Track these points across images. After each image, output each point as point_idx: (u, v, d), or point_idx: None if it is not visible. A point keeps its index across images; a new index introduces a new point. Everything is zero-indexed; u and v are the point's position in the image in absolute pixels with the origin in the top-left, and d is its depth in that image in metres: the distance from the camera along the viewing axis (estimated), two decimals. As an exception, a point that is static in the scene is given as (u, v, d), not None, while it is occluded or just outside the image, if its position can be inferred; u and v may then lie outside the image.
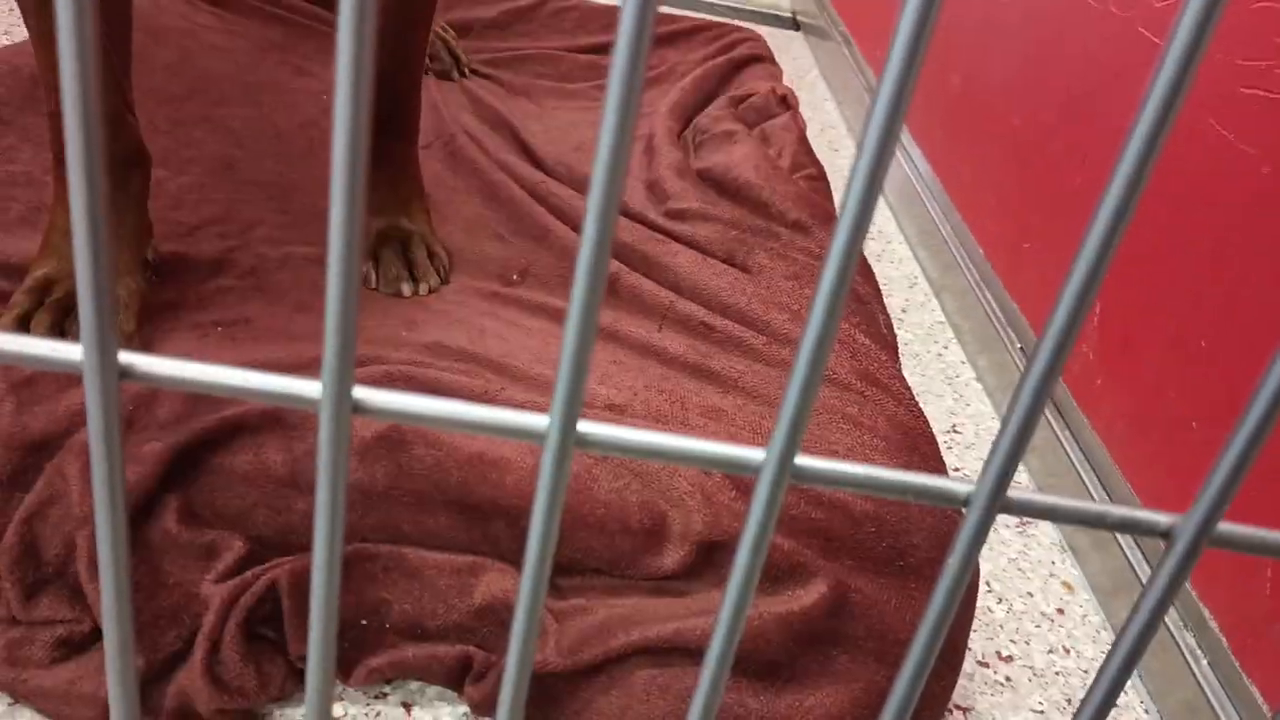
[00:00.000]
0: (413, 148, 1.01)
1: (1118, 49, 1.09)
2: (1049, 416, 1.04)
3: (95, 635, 0.56)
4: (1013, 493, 0.32)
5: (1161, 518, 0.34)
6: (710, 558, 0.62)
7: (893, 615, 0.62)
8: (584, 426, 0.30)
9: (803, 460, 0.31)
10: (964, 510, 0.33)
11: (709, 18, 2.01)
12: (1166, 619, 0.82)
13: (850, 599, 0.61)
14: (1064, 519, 0.34)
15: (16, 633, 0.55)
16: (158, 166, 1.03)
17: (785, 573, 0.61)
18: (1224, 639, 0.79)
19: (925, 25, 0.24)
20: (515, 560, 0.65)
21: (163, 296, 0.84)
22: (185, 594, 0.54)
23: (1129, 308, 0.97)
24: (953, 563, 0.33)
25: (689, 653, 0.56)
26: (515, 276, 1.01)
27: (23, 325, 0.70)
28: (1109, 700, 0.35)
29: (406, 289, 0.93)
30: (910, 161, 1.59)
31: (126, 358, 0.28)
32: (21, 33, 1.52)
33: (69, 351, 0.28)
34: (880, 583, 0.63)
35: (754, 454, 0.31)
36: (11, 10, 1.60)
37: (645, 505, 0.64)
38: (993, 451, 0.31)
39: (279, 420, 0.61)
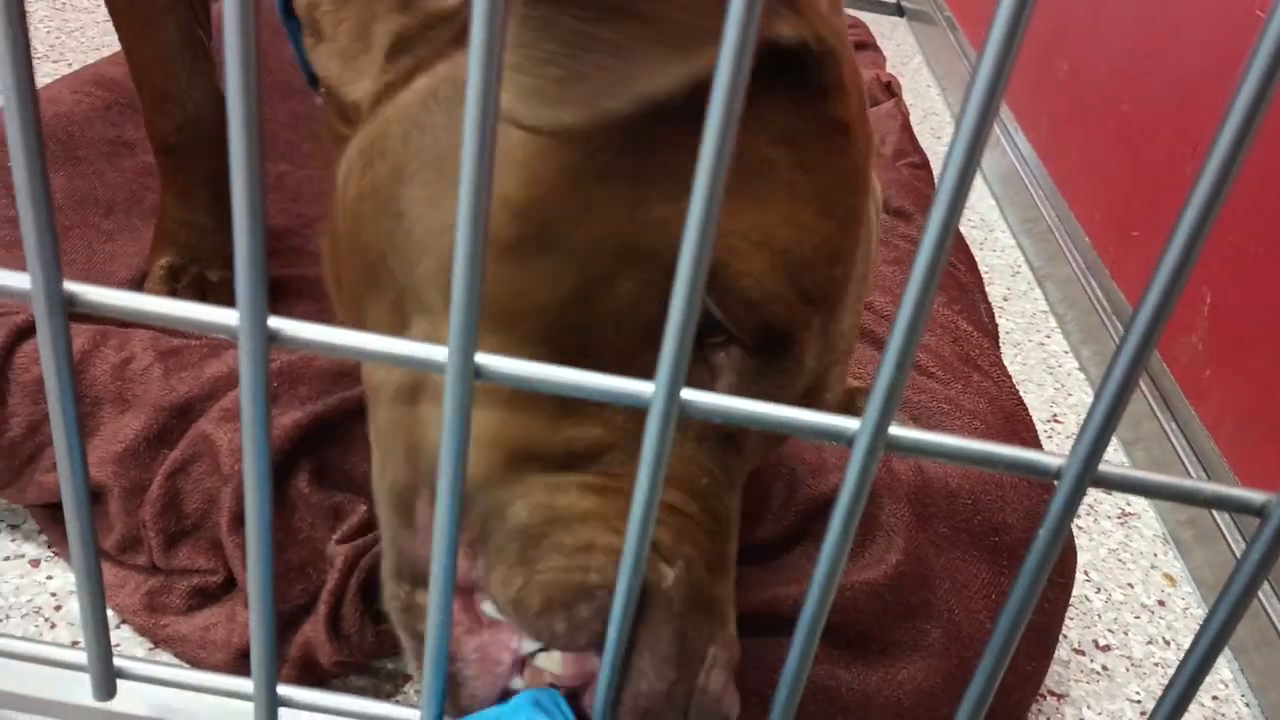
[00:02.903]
0: None
1: (1232, 32, 1.06)
2: (1154, 407, 1.02)
3: (228, 585, 0.60)
4: (1103, 468, 0.33)
5: (1256, 495, 0.34)
6: (807, 527, 0.63)
7: (985, 593, 0.63)
8: (688, 394, 0.31)
9: (896, 430, 0.33)
10: (1056, 484, 0.34)
11: (812, 4, 2.00)
12: (1271, 613, 0.81)
13: (940, 571, 0.62)
14: (1155, 494, 0.34)
15: (156, 581, 0.60)
16: (280, 160, 1.08)
17: (876, 534, 0.62)
18: (1333, 636, 0.77)
19: (1025, 4, 0.25)
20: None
21: (285, 282, 0.88)
22: (313, 550, 0.57)
23: (1241, 298, 0.95)
24: (1043, 534, 0.34)
25: (782, 621, 0.57)
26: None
27: None
28: (1199, 674, 0.36)
29: None
30: (1015, 149, 1.57)
31: (275, 323, 0.31)
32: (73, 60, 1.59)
33: (226, 316, 0.31)
34: (972, 558, 0.64)
35: (849, 423, 0.33)
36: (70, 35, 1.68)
37: (752, 474, 0.66)
38: (1084, 425, 0.32)
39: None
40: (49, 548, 0.68)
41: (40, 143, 0.29)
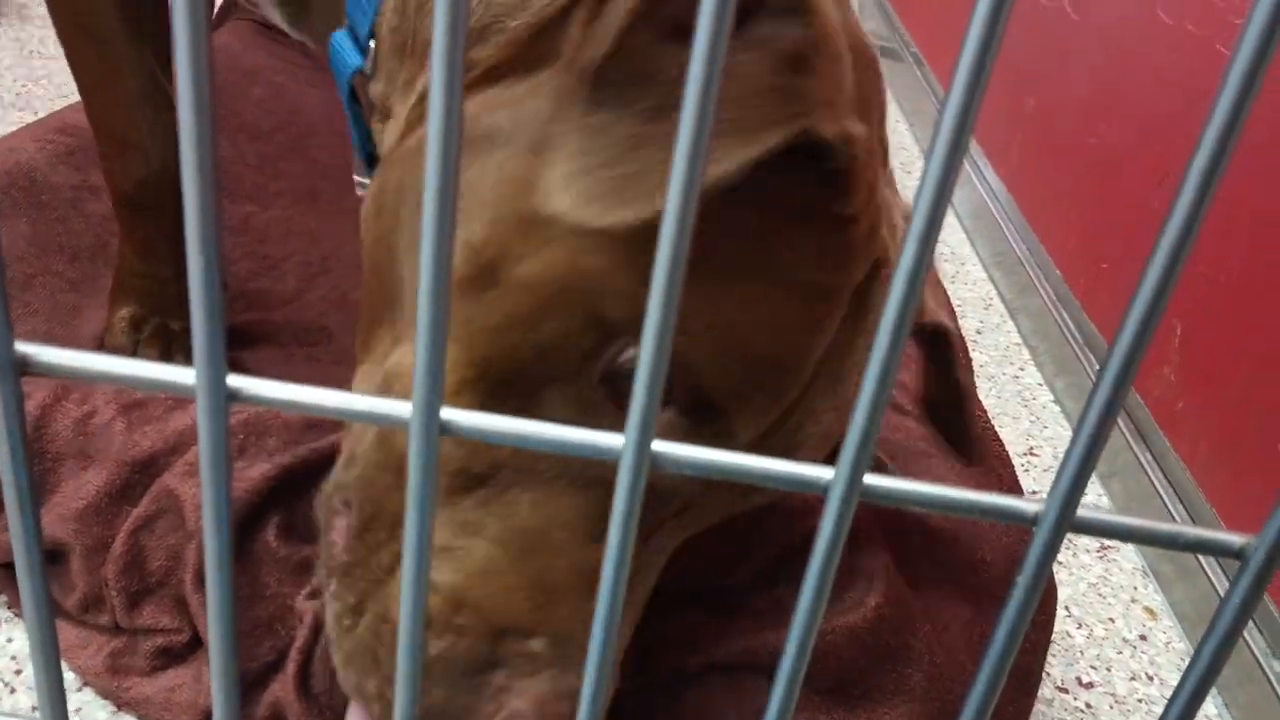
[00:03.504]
0: None
1: (1195, 67, 1.07)
2: (1130, 440, 1.02)
3: (194, 645, 0.58)
4: (1083, 512, 0.33)
5: (1234, 538, 0.34)
6: (779, 572, 0.62)
7: (966, 633, 0.62)
8: (659, 446, 0.31)
9: (872, 480, 0.32)
10: (1034, 529, 0.34)
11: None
12: (1254, 648, 0.80)
13: (921, 612, 0.61)
14: (1135, 539, 0.34)
15: (119, 642, 0.58)
16: (246, 201, 1.07)
17: (855, 576, 0.61)
18: (1315, 668, 0.77)
19: (992, 38, 0.24)
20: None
21: (248, 321, 0.87)
22: (281, 606, 0.56)
23: (1211, 329, 0.96)
24: (1021, 582, 0.34)
25: (759, 670, 0.56)
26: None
27: None
28: (1185, 717, 0.35)
29: None
30: (985, 182, 1.58)
31: (235, 381, 0.30)
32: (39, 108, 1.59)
33: (183, 375, 0.30)
34: (953, 597, 0.63)
35: (823, 472, 0.32)
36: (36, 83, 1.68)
37: (725, 525, 0.65)
38: (1061, 469, 0.32)
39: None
40: (9, 608, 0.66)
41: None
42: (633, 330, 0.42)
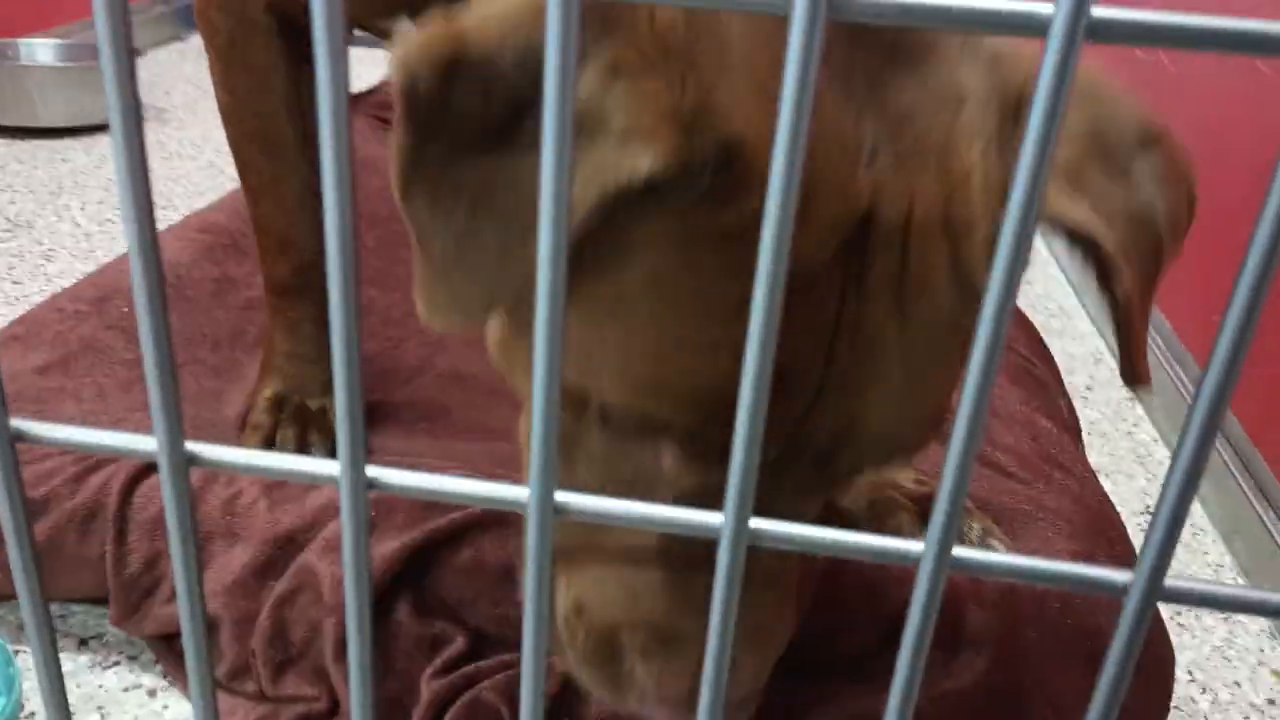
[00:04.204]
0: None
1: (1303, 115, 1.06)
2: (1251, 497, 0.99)
3: (332, 712, 0.62)
4: (1171, 581, 0.34)
5: (1328, 605, 0.34)
6: (896, 635, 0.63)
7: (1079, 701, 0.62)
8: (756, 523, 0.33)
9: (960, 551, 0.34)
10: (1123, 600, 0.35)
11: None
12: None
13: (1032, 679, 0.61)
14: (1224, 607, 0.34)
15: (265, 709, 0.63)
16: (369, 285, 1.13)
17: (964, 642, 0.62)
18: None
19: (1063, 85, 0.26)
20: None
21: (373, 402, 0.92)
22: (408, 682, 0.60)
23: (1332, 381, 0.93)
24: (1114, 651, 0.34)
25: (872, 737, 0.57)
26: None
27: (269, 443, 0.80)
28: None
29: None
30: (1091, 236, 1.56)
31: (373, 471, 0.34)
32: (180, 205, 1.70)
33: (328, 467, 0.34)
34: (1066, 664, 0.63)
35: (912, 546, 0.34)
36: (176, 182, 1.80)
37: (833, 590, 0.66)
38: (1147, 538, 0.33)
39: (497, 520, 0.68)
40: (164, 677, 0.71)
41: (166, 321, 0.32)
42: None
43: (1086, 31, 0.23)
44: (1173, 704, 0.69)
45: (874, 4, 0.23)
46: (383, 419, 0.90)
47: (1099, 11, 0.23)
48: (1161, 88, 1.42)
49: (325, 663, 0.60)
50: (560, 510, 0.34)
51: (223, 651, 0.64)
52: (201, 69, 1.75)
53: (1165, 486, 0.32)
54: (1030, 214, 0.26)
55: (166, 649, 0.69)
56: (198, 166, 1.74)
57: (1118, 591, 0.34)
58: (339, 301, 0.29)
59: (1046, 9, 0.23)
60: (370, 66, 2.29)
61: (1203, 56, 1.30)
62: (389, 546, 0.62)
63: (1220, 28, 0.22)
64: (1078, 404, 1.14)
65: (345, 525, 0.34)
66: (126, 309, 0.99)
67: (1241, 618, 0.92)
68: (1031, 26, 0.23)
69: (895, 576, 0.67)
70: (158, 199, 1.60)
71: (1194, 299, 1.23)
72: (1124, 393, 1.28)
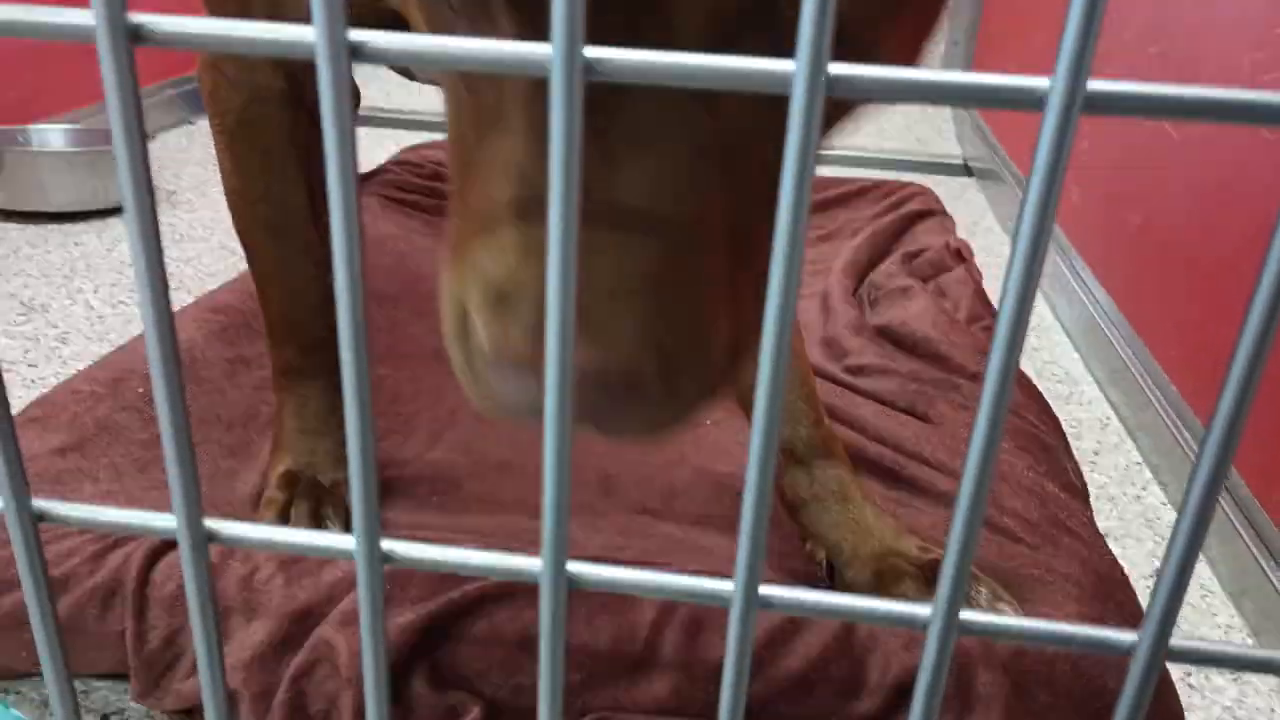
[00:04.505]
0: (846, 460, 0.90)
1: (1295, 179, 1.08)
2: (1259, 558, 0.99)
3: (349, 786, 0.62)
4: (1177, 642, 0.34)
5: (1334, 663, 0.35)
6: (907, 699, 0.63)
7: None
8: (765, 590, 0.34)
9: (968, 615, 0.34)
10: (1130, 660, 0.35)
11: (878, 176, 2.07)
12: None
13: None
14: (1232, 665, 0.35)
15: (280, 786, 0.63)
16: (378, 364, 1.15)
17: (971, 707, 0.62)
18: None
19: (1060, 159, 0.26)
20: None
21: (385, 477, 0.93)
22: (424, 753, 0.60)
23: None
24: (1121, 710, 0.35)
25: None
26: (709, 421, 1.06)
27: (284, 518, 0.81)
28: None
29: None
30: (1095, 301, 1.58)
31: (388, 545, 0.35)
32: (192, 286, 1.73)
33: (344, 542, 0.35)
34: (1079, 733, 0.63)
35: (920, 610, 0.34)
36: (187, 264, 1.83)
37: (845, 652, 0.66)
38: (1153, 598, 0.33)
39: (511, 593, 0.68)
40: (181, 754, 0.71)
41: (183, 399, 0.34)
42: None
43: (1084, 105, 0.24)
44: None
45: (875, 79, 0.24)
46: (393, 493, 0.91)
47: (1096, 85, 0.23)
48: (1164, 150, 1.45)
49: (343, 738, 0.60)
50: (575, 582, 0.35)
51: (239, 729, 0.64)
52: (210, 152, 1.78)
53: (1170, 545, 0.32)
54: (1031, 285, 0.27)
55: (185, 725, 0.70)
56: (209, 248, 1.77)
57: (1124, 651, 0.35)
58: (352, 380, 0.31)
59: (1043, 83, 0.24)
60: (376, 146, 2.34)
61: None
62: (405, 619, 0.63)
63: (1218, 99, 0.23)
64: (1085, 469, 1.15)
65: (361, 598, 0.35)
66: (141, 389, 1.00)
67: (1252, 678, 0.91)
68: (1028, 101, 0.24)
69: (902, 640, 0.67)
70: (170, 280, 1.62)
71: (1196, 360, 1.24)
72: (1132, 457, 1.28)
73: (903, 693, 0.64)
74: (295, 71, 0.77)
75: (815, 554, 0.83)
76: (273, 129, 0.79)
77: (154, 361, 0.33)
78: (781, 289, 0.27)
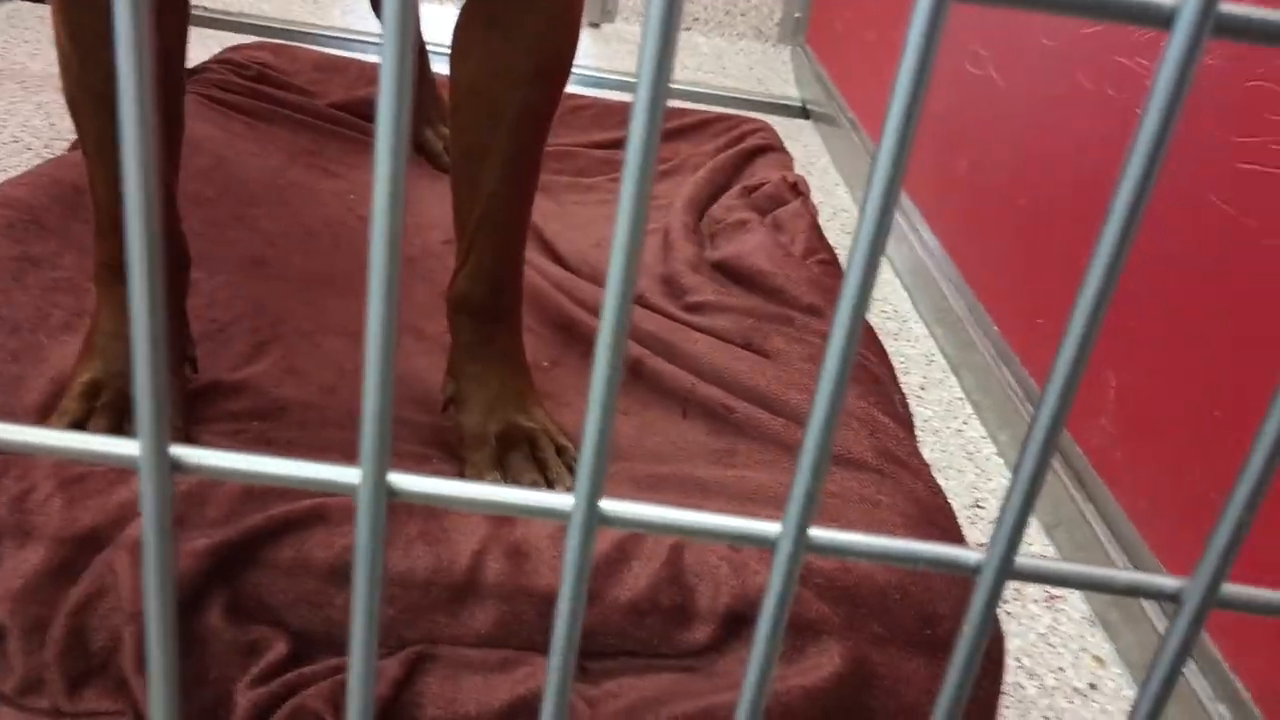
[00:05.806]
0: (518, 335, 0.90)
1: (1116, 129, 1.12)
2: (1072, 490, 1.04)
3: (135, 727, 0.57)
4: (1023, 560, 0.34)
5: (1168, 581, 0.35)
6: (739, 631, 0.62)
7: (921, 689, 0.62)
8: (607, 505, 0.31)
9: (816, 532, 0.33)
10: (976, 578, 0.35)
11: (720, 110, 2.07)
12: (1200, 693, 0.81)
13: (877, 671, 0.62)
14: (1073, 584, 0.35)
15: (59, 726, 0.57)
16: (193, 268, 1.06)
17: (809, 638, 0.62)
18: (1259, 712, 0.78)
19: (918, 91, 0.25)
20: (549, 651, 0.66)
21: (200, 387, 0.86)
22: (223, 692, 0.55)
23: (1144, 381, 0.98)
24: (967, 630, 0.34)
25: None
26: (545, 364, 1.04)
27: (76, 431, 0.73)
28: (1129, 764, 0.36)
29: None
30: (923, 243, 1.62)
31: (177, 451, 0.30)
32: (59, 148, 1.58)
33: (125, 446, 0.30)
34: (908, 654, 0.64)
35: (770, 528, 0.33)
36: (53, 125, 1.67)
37: (675, 580, 0.65)
38: (1000, 518, 0.33)
39: (322, 517, 0.63)
40: (-58, 692, 0.64)
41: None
42: None
43: (1214, 27, 0.22)
44: (1002, 689, 0.71)
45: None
46: (205, 404, 0.84)
47: (1228, 8, 0.22)
48: (991, 101, 1.48)
49: (127, 674, 0.55)
50: (395, 493, 0.31)
51: (11, 664, 0.58)
52: (7, 40, 1.61)
53: (1019, 463, 0.31)
54: (883, 234, 0.25)
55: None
56: (0, 141, 1.60)
57: (970, 570, 0.34)
58: (142, 280, 0.26)
59: (1172, 1, 0.23)
60: (198, 45, 2.17)
61: (1028, 71, 1.36)
62: (199, 544, 0.57)
63: None
64: (911, 403, 1.17)
65: (146, 516, 0.30)
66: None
67: (1065, 606, 0.95)
68: (1155, 18, 0.23)
69: (732, 565, 0.67)
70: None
71: (1018, 302, 1.28)
72: (955, 392, 1.33)
73: (735, 620, 0.64)
74: None
75: (447, 387, 0.87)
76: None
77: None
78: (630, 218, 0.24)
